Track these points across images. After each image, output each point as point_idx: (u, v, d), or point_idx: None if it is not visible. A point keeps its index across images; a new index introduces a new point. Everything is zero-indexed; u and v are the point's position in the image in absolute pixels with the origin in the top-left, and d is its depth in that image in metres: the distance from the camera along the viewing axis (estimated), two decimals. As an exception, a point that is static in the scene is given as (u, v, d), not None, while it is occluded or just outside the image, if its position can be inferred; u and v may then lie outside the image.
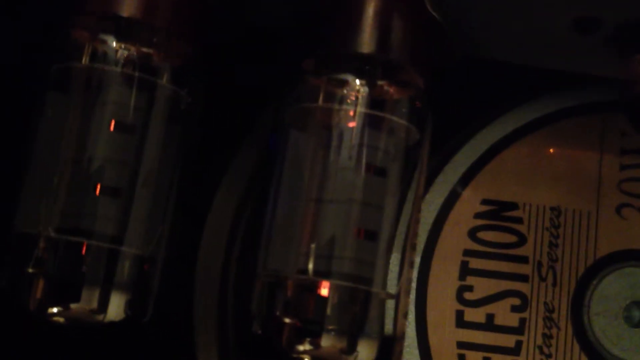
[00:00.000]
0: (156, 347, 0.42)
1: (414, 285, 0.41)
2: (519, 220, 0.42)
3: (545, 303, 0.41)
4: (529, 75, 0.42)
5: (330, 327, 0.34)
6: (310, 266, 0.34)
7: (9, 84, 0.42)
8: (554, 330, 0.41)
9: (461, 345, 0.41)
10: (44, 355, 0.42)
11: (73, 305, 0.33)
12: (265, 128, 0.43)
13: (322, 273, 0.34)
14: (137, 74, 0.34)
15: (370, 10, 0.35)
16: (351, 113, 0.35)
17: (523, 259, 0.42)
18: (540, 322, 0.41)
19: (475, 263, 0.41)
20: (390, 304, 0.36)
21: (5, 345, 0.41)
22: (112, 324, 0.34)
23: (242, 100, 0.44)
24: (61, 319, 0.33)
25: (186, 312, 0.42)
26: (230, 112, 0.43)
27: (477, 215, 0.42)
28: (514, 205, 0.42)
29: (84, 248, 0.33)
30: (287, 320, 0.35)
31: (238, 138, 0.44)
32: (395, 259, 0.36)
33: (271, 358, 0.36)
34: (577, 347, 0.41)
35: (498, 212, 0.42)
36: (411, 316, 0.41)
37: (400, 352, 0.36)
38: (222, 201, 0.43)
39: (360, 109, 0.35)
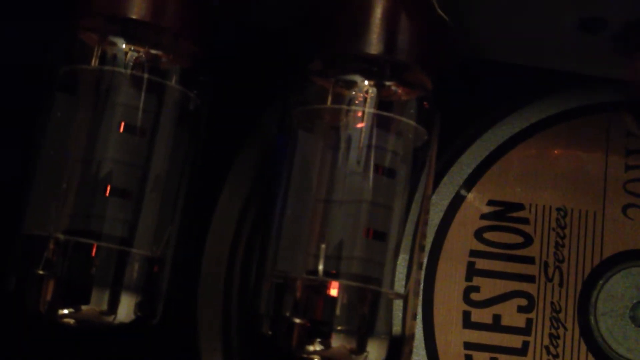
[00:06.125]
0: (160, 351, 0.42)
1: (420, 286, 0.41)
2: (525, 221, 0.42)
3: (552, 303, 0.41)
4: (535, 76, 0.42)
5: (340, 328, 0.34)
6: (320, 267, 0.34)
7: (15, 85, 0.42)
8: (561, 331, 0.41)
9: (468, 346, 0.41)
10: (48, 356, 0.42)
11: (83, 307, 0.33)
12: (268, 129, 0.43)
13: (332, 273, 0.34)
14: (146, 75, 0.34)
15: (378, 11, 0.35)
16: (360, 114, 0.35)
17: (529, 260, 0.42)
18: (547, 323, 0.41)
19: (481, 264, 0.41)
20: (398, 305, 0.36)
21: (11, 344, 0.41)
22: (122, 325, 0.34)
23: (245, 101, 0.44)
24: (71, 321, 0.33)
25: (190, 315, 0.42)
26: (233, 112, 0.43)
27: (484, 216, 0.42)
28: (520, 206, 0.42)
29: (94, 249, 0.33)
30: (296, 320, 0.35)
31: (241, 139, 0.44)
32: (402, 260, 0.36)
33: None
34: (583, 347, 0.41)
35: (504, 212, 0.42)
36: (418, 317, 0.41)
37: (410, 353, 0.36)
38: (227, 203, 0.43)
39: (369, 109, 0.35)
